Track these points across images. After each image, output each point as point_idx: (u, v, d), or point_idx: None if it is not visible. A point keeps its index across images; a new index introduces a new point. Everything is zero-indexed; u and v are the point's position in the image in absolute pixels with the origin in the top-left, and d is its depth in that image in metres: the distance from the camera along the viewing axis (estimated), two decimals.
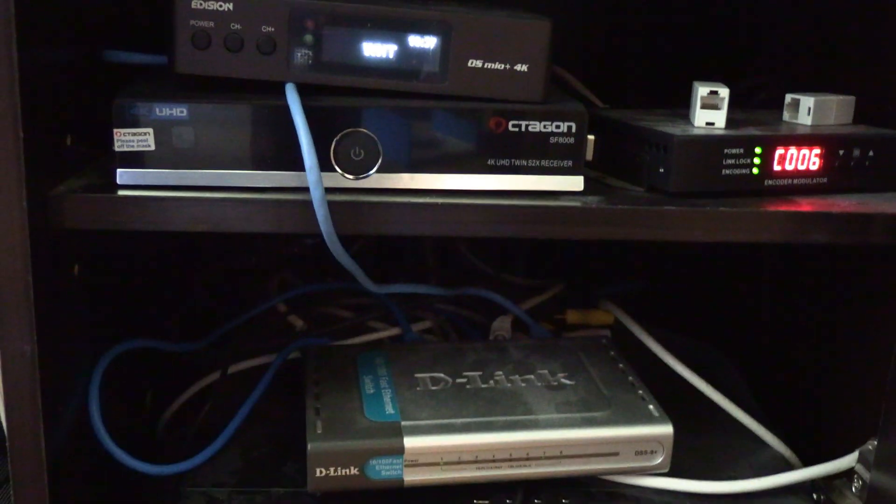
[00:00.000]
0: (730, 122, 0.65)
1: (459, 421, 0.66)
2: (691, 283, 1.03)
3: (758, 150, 0.63)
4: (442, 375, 0.72)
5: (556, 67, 0.80)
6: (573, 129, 0.60)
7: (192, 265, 0.98)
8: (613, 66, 1.03)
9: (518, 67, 0.59)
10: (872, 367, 0.70)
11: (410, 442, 0.63)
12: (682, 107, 0.68)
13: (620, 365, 0.75)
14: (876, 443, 0.66)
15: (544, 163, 0.60)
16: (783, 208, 0.62)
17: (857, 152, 0.66)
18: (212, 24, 0.57)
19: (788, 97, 0.70)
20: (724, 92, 0.64)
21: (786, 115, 0.70)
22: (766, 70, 0.88)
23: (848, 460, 0.69)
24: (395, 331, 0.86)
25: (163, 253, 0.86)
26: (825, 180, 0.66)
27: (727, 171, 0.62)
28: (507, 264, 1.03)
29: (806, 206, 0.62)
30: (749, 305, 0.91)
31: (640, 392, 0.71)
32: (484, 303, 0.88)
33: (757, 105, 0.78)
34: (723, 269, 0.96)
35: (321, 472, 0.63)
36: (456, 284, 0.88)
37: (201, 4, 0.56)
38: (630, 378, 0.73)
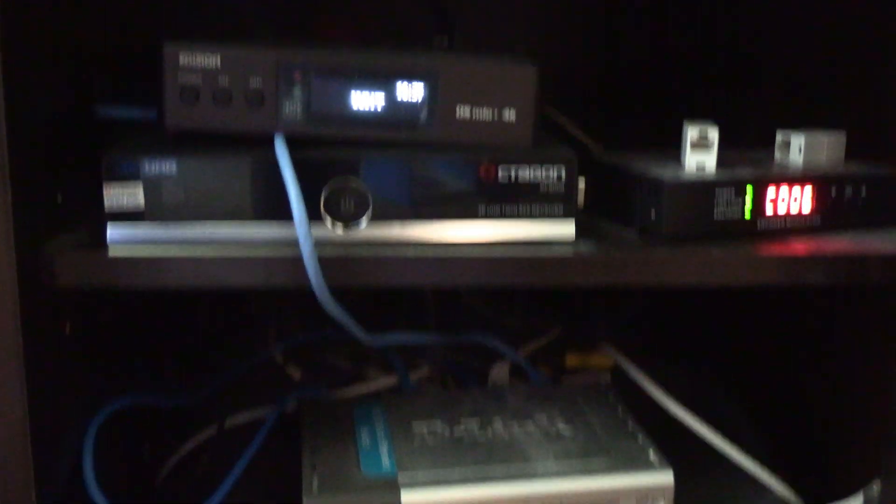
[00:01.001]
0: (721, 162, 0.65)
1: (457, 473, 0.65)
2: (693, 320, 1.02)
3: (749, 192, 0.63)
4: (439, 425, 0.72)
5: (549, 108, 0.81)
6: (563, 175, 0.60)
7: (186, 314, 0.97)
8: (606, 103, 1.03)
9: (506, 114, 0.59)
10: (876, 407, 0.69)
11: (407, 497, 0.62)
12: (674, 142, 0.68)
13: (620, 410, 0.75)
14: (880, 484, 0.65)
15: (535, 209, 0.60)
16: (777, 251, 0.61)
17: (849, 191, 0.66)
18: (200, 78, 0.57)
19: (779, 135, 0.70)
20: (713, 133, 0.64)
21: (777, 154, 0.70)
22: (758, 106, 0.88)
23: (853, 503, 0.68)
24: (393, 379, 0.86)
25: (156, 303, 0.86)
26: (818, 220, 0.65)
27: (719, 214, 0.62)
28: (505, 305, 1.02)
29: (800, 248, 0.62)
30: (752, 342, 0.90)
31: (641, 439, 0.70)
32: (482, 348, 0.88)
33: (748, 142, 0.78)
34: (724, 305, 0.95)
35: None
36: (453, 328, 0.88)
37: (189, 60, 0.57)
38: (630, 424, 0.72)
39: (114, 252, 0.56)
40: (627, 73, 1.03)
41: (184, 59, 0.56)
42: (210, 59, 0.57)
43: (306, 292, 0.56)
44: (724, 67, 0.94)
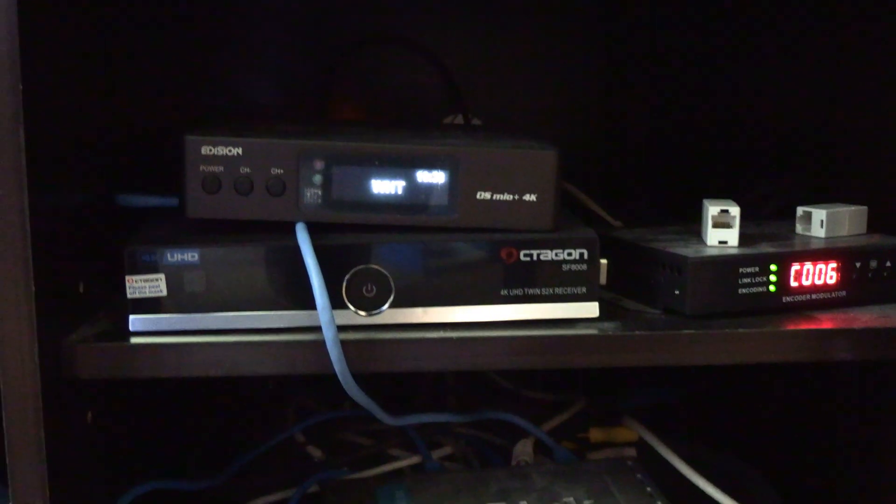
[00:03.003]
0: (742, 237, 0.64)
1: None
2: (720, 394, 1.01)
3: (773, 267, 0.62)
4: None
5: (568, 185, 0.81)
6: (585, 256, 0.59)
7: (206, 396, 0.97)
8: (624, 177, 1.03)
9: (527, 197, 0.59)
10: None
11: None
12: (695, 217, 0.67)
13: (648, 489, 0.73)
14: None
15: (558, 290, 0.59)
16: (803, 326, 0.61)
17: (874, 264, 0.65)
18: (221, 168, 0.57)
19: (800, 210, 0.69)
20: (734, 210, 0.64)
21: (798, 228, 0.70)
22: (776, 178, 0.88)
23: None
24: (415, 458, 0.84)
25: (178, 388, 0.86)
26: (844, 293, 0.65)
27: (744, 290, 0.62)
28: (528, 379, 1.01)
29: (826, 322, 0.61)
30: (781, 417, 0.89)
31: None
32: (505, 425, 0.86)
33: (768, 215, 0.78)
34: (752, 379, 0.94)
35: None
36: (475, 403, 0.87)
37: (211, 150, 0.57)
38: (658, 503, 0.71)
39: (136, 342, 0.56)
40: (644, 148, 1.03)
41: (206, 149, 0.57)
42: (232, 149, 0.57)
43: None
44: (739, 143, 0.94)
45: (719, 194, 0.68)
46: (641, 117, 1.03)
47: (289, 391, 0.98)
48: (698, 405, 1.02)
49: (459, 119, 0.95)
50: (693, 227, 0.69)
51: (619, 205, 0.88)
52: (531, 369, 0.59)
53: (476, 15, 0.99)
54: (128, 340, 0.56)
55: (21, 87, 0.49)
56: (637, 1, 1.01)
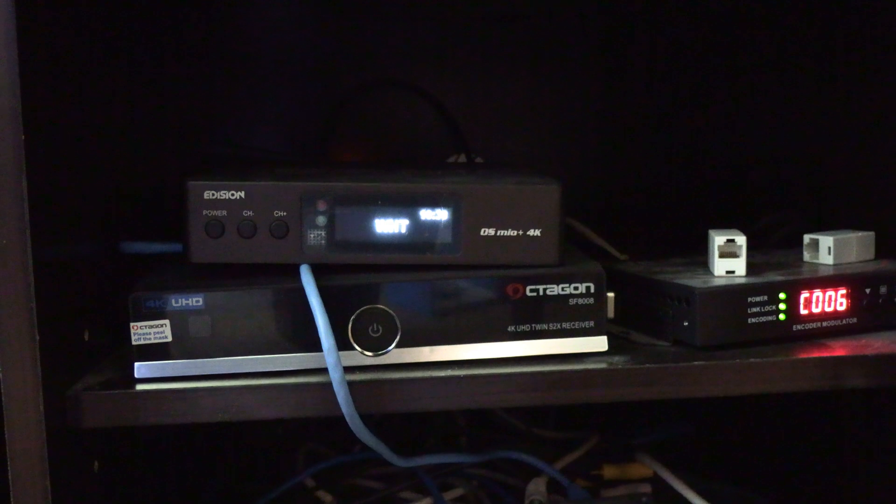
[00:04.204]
0: (750, 266, 0.64)
1: None
2: (734, 426, 0.99)
3: (782, 295, 0.62)
4: None
5: (572, 220, 0.80)
6: (592, 290, 0.59)
7: (215, 441, 0.96)
8: (629, 210, 1.03)
9: (531, 232, 0.59)
10: None
11: None
12: (701, 248, 0.67)
13: None
14: None
15: (566, 325, 0.59)
16: (815, 354, 0.60)
17: (883, 289, 0.65)
18: (224, 212, 0.57)
19: (807, 237, 0.69)
20: (741, 239, 0.63)
21: (806, 255, 0.69)
22: (781, 207, 0.87)
23: None
24: (427, 501, 0.83)
25: (185, 434, 0.85)
26: (854, 320, 0.64)
27: (753, 320, 0.61)
28: (539, 417, 1.00)
29: (839, 349, 0.61)
30: (798, 449, 0.88)
31: None
32: (517, 464, 0.85)
33: (775, 244, 0.78)
34: (767, 410, 0.93)
35: None
36: (487, 442, 0.86)
37: (214, 194, 0.57)
38: None
39: (141, 389, 0.55)
40: (648, 180, 1.03)
41: (208, 193, 0.57)
42: (234, 193, 0.57)
43: (334, 416, 0.55)
44: (743, 173, 0.94)
45: (724, 225, 0.68)
46: (643, 149, 1.03)
47: (298, 436, 0.97)
48: (713, 438, 1.01)
49: (462, 158, 0.95)
50: (699, 258, 0.69)
51: (625, 238, 0.87)
52: (541, 406, 0.58)
53: (476, 57, 0.99)
54: (133, 388, 0.56)
55: (23, 137, 0.49)
56: (636, 37, 1.01)
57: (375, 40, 0.97)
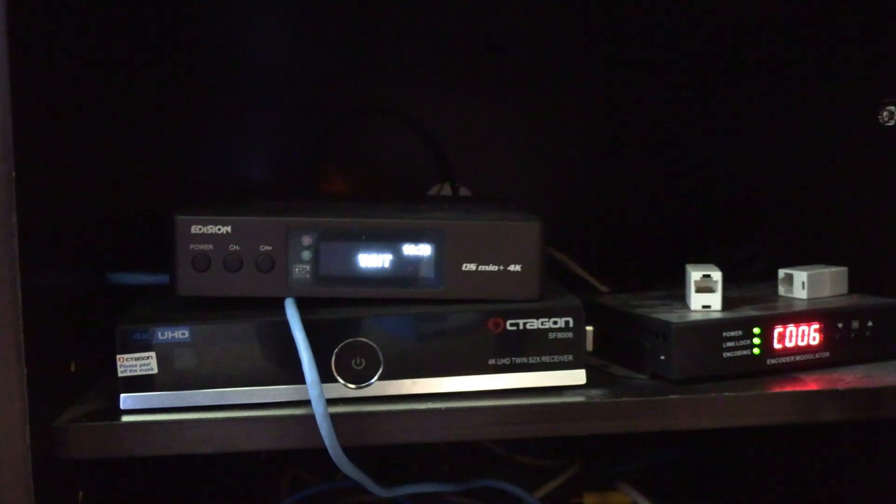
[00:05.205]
0: (726, 301, 0.65)
1: None
2: (715, 455, 1.00)
3: (756, 330, 0.63)
4: None
5: (556, 252, 0.82)
6: (571, 324, 0.60)
7: (200, 469, 0.97)
8: (612, 241, 1.04)
9: (512, 268, 0.60)
10: None
11: None
12: (682, 278, 0.68)
13: None
14: None
15: (545, 359, 0.60)
16: (788, 388, 0.61)
17: (856, 324, 0.66)
18: (211, 246, 0.58)
19: (781, 272, 0.71)
20: (716, 275, 0.65)
21: (781, 290, 0.71)
22: (760, 239, 0.89)
23: None
24: None
25: (169, 462, 0.86)
26: (827, 354, 0.66)
27: (728, 354, 0.63)
28: (521, 444, 1.01)
29: (811, 383, 0.62)
30: (779, 476, 0.89)
31: None
32: (499, 493, 0.86)
33: (752, 276, 0.79)
34: (747, 438, 0.94)
35: None
36: (469, 470, 0.86)
37: (200, 229, 0.58)
38: None
39: (126, 421, 0.56)
40: (632, 212, 1.05)
41: (195, 228, 0.58)
42: (221, 228, 0.58)
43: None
44: (725, 205, 0.96)
45: (706, 256, 0.69)
46: (628, 180, 1.05)
47: (282, 463, 0.97)
48: (694, 467, 1.02)
49: (447, 188, 0.96)
50: (678, 290, 0.70)
51: (609, 268, 0.89)
52: (521, 438, 0.59)
53: (463, 85, 1.01)
54: (119, 419, 0.56)
55: (14, 174, 0.50)
56: (620, 71, 1.03)
57: (363, 68, 0.98)
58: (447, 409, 0.58)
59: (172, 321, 0.57)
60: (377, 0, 0.97)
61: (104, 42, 0.69)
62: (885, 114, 0.65)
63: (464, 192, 0.97)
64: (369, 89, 0.99)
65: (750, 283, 0.75)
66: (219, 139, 0.97)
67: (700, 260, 0.68)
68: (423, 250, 0.60)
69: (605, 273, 0.87)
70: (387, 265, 0.60)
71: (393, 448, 0.97)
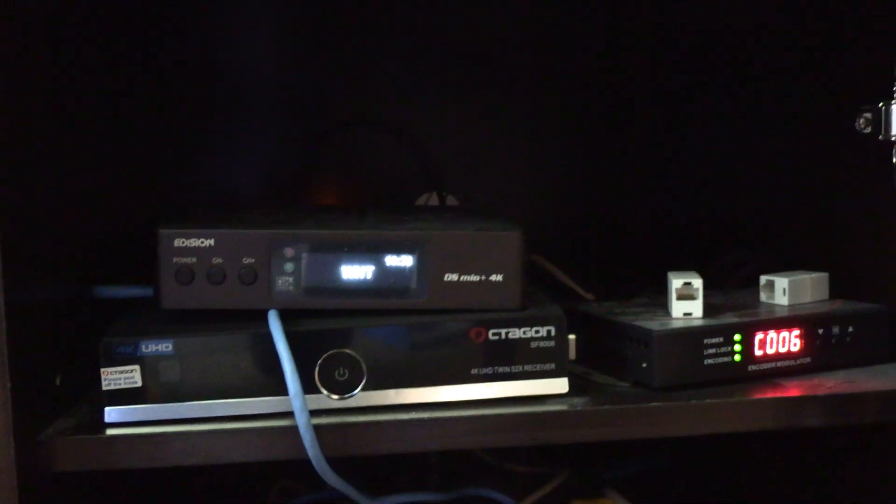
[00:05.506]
0: (708, 307, 0.66)
1: None
2: (705, 460, 1.01)
3: (737, 336, 0.64)
4: None
5: (541, 259, 0.82)
6: (553, 333, 0.61)
7: (185, 481, 0.97)
8: (599, 248, 1.05)
9: (494, 277, 0.61)
10: None
11: None
12: (663, 286, 0.69)
13: None
14: None
15: (528, 368, 0.61)
16: (769, 394, 0.62)
17: (836, 329, 0.67)
18: (194, 259, 0.59)
19: (763, 279, 0.71)
20: (697, 282, 0.65)
21: (762, 296, 0.71)
22: (745, 246, 0.89)
23: None
24: None
25: (154, 474, 0.86)
26: (808, 360, 0.66)
27: (709, 361, 0.63)
28: (510, 452, 1.01)
29: (793, 389, 0.63)
30: (769, 481, 0.89)
31: None
32: (486, 500, 0.87)
33: (736, 284, 0.80)
34: (736, 443, 0.94)
35: None
36: (458, 478, 0.86)
37: (184, 242, 0.59)
38: None
39: (112, 434, 0.56)
40: (619, 219, 1.05)
41: (179, 241, 0.59)
42: (204, 241, 0.59)
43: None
44: (710, 212, 0.97)
45: (692, 263, 0.70)
46: (617, 190, 1.05)
47: (271, 473, 0.97)
48: (684, 472, 1.02)
49: (434, 197, 0.97)
50: (661, 298, 0.70)
51: (595, 274, 0.89)
52: (504, 446, 0.59)
53: (451, 95, 1.01)
54: (104, 432, 0.57)
55: None
56: (608, 80, 1.04)
57: (351, 78, 0.99)
58: (430, 419, 0.58)
59: (156, 334, 0.58)
60: (365, 10, 0.98)
61: (90, 52, 0.70)
62: (861, 121, 0.66)
63: (451, 201, 0.97)
64: (359, 99, 1.00)
65: (733, 290, 0.76)
66: (209, 151, 0.97)
67: (687, 267, 0.69)
68: (405, 261, 0.60)
69: (592, 281, 0.87)
70: (369, 276, 0.60)
71: (381, 459, 0.98)
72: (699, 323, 0.64)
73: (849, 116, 0.71)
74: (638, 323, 0.64)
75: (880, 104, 0.65)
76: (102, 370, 0.57)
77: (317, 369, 0.58)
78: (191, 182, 0.97)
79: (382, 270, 0.60)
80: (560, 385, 0.61)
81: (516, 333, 0.60)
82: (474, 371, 0.60)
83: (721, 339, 0.63)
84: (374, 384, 0.59)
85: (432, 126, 1.01)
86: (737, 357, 0.64)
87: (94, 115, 0.70)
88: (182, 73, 0.95)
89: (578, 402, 0.60)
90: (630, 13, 1.03)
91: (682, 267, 0.69)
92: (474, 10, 1.00)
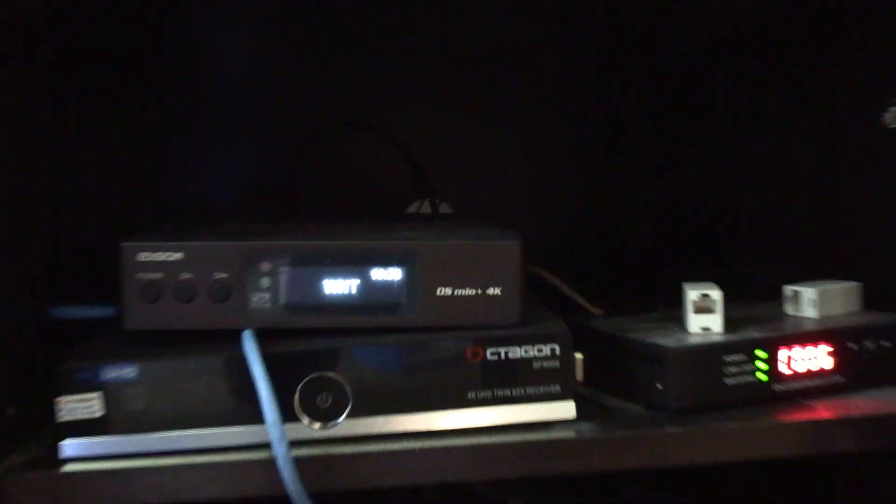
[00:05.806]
0: (728, 322, 0.60)
1: None
2: (717, 487, 0.95)
3: (761, 353, 0.58)
4: None
5: (545, 273, 0.77)
6: (557, 351, 0.55)
7: None
8: (607, 261, 1.00)
9: (490, 291, 0.55)
10: None
11: None
12: (680, 300, 0.63)
13: None
14: None
15: (530, 390, 0.55)
16: (798, 417, 0.56)
17: (870, 344, 0.61)
18: (161, 275, 0.53)
19: (788, 289, 0.66)
20: (716, 294, 0.60)
21: (788, 308, 0.66)
22: (764, 255, 0.84)
23: None
24: None
25: None
26: (841, 378, 0.60)
27: (731, 380, 0.57)
28: (513, 484, 0.96)
29: (823, 411, 0.57)
30: None
31: None
32: None
33: (758, 294, 0.74)
34: (760, 474, 0.89)
35: None
36: None
37: (149, 256, 0.53)
38: None
39: (69, 470, 0.51)
40: (625, 228, 1.00)
41: (143, 255, 0.53)
42: (171, 255, 0.53)
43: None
44: (725, 220, 0.92)
45: (707, 274, 0.64)
46: (624, 196, 1.00)
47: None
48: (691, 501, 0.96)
49: (426, 204, 0.91)
50: (676, 311, 0.65)
51: (604, 291, 0.84)
52: (505, 478, 0.54)
53: (446, 100, 0.97)
54: (60, 468, 0.51)
55: None
56: (608, 85, 0.99)
57: (339, 82, 0.94)
58: (423, 449, 0.53)
59: (119, 358, 0.52)
60: (352, 14, 0.93)
61: (51, 57, 0.65)
62: (889, 115, 0.60)
63: (445, 209, 0.92)
64: (347, 104, 0.95)
65: (755, 302, 0.70)
66: (185, 159, 0.92)
67: (699, 278, 0.63)
68: (394, 274, 0.55)
69: (599, 295, 0.82)
70: (354, 291, 0.55)
71: (371, 492, 0.92)
72: (719, 338, 0.58)
73: (875, 111, 0.67)
74: (651, 339, 0.58)
75: None
76: (58, 399, 0.52)
77: (297, 395, 0.53)
78: (168, 193, 0.91)
79: (369, 285, 0.55)
80: (566, 409, 0.55)
81: (517, 353, 0.55)
82: (471, 395, 0.55)
83: (743, 357, 0.58)
84: (361, 411, 0.53)
85: (425, 131, 0.96)
86: (761, 376, 0.58)
87: (57, 121, 0.65)
88: (157, 79, 0.90)
89: (587, 428, 0.55)
90: (630, 15, 0.98)
91: (695, 278, 0.63)
92: (469, 14, 0.95)
